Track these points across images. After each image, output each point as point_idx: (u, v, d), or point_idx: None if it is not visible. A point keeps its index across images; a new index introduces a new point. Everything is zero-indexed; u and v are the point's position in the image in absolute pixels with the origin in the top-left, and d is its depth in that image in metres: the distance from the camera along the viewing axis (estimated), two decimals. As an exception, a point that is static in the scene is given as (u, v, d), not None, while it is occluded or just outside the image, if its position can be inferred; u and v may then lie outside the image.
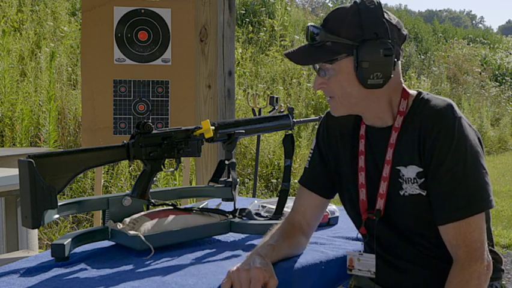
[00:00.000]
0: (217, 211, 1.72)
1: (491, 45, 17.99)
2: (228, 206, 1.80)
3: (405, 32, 1.41)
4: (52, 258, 1.45)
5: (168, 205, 1.70)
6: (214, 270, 1.39)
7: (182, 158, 1.67)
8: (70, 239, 1.48)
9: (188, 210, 1.68)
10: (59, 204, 1.45)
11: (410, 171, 1.39)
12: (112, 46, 3.10)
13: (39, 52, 6.48)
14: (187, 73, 3.16)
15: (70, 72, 6.52)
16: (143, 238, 1.49)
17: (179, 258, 1.50)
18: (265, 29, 10.01)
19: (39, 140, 5.34)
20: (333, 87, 1.39)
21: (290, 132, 1.92)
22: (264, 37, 9.82)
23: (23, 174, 1.36)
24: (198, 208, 1.72)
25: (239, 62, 8.54)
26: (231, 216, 1.71)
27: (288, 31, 10.40)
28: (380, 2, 1.36)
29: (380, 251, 1.48)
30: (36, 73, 6.12)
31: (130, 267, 1.43)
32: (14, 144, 5.33)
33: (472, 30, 23.22)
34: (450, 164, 1.33)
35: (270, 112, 3.64)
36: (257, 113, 3.86)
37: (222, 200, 1.84)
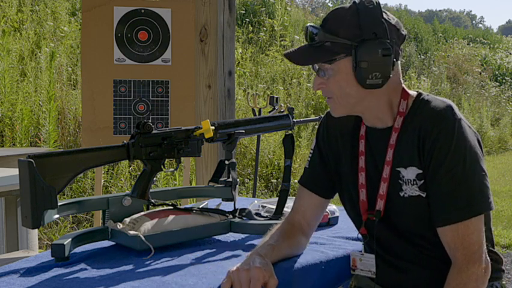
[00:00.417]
0: (217, 211, 1.72)
1: (491, 45, 17.99)
2: (228, 206, 1.80)
3: (404, 32, 1.41)
4: (52, 258, 1.45)
5: (168, 205, 1.70)
6: (214, 270, 1.39)
7: (182, 158, 1.67)
8: (70, 239, 1.48)
9: (188, 210, 1.68)
10: (59, 204, 1.45)
11: (409, 173, 1.39)
12: (112, 46, 3.10)
13: (39, 52, 6.48)
14: (187, 73, 3.16)
15: (70, 72, 6.52)
16: (143, 238, 1.49)
17: (179, 258, 1.50)
18: (265, 29, 10.01)
19: (39, 140, 5.34)
20: (332, 87, 1.39)
21: (290, 132, 1.92)
22: (264, 37, 9.82)
23: (23, 174, 1.36)
24: (198, 208, 1.72)
25: (239, 62, 8.54)
26: (231, 216, 1.71)
27: (288, 31, 10.40)
28: (379, 2, 1.36)
29: (380, 251, 1.48)
30: (36, 73, 6.12)
31: (130, 267, 1.43)
32: (14, 144, 5.33)
33: (472, 30, 23.21)
34: (449, 165, 1.33)
35: (270, 112, 3.64)
36: (257, 113, 3.86)
37: (222, 200, 1.84)
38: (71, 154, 1.51)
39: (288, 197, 1.81)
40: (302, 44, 1.42)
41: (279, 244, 1.46)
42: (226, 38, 3.36)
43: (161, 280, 1.32)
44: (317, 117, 2.29)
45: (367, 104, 1.41)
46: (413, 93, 1.45)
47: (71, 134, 5.68)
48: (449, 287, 1.32)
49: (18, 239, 3.13)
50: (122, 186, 5.12)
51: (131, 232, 1.51)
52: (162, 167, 1.63)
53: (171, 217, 1.61)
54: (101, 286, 1.28)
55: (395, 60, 1.36)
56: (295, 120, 1.92)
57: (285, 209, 1.79)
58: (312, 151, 1.61)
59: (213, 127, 1.66)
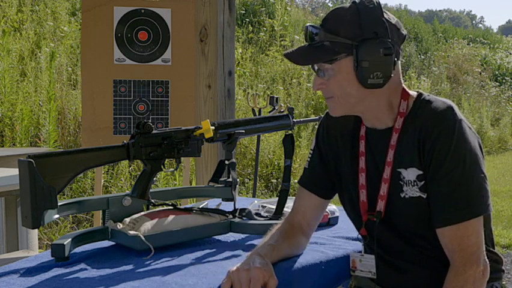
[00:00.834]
0: (217, 211, 1.72)
1: (491, 45, 17.98)
2: (228, 206, 1.80)
3: (404, 32, 1.41)
4: (52, 258, 1.45)
5: (168, 205, 1.70)
6: (214, 270, 1.39)
7: (182, 158, 1.67)
8: (70, 239, 1.48)
9: (188, 210, 1.68)
10: (59, 204, 1.45)
11: (410, 174, 1.39)
12: (112, 46, 3.10)
13: (39, 52, 6.48)
14: (187, 73, 3.16)
15: (70, 72, 6.52)
16: (143, 238, 1.49)
17: (179, 258, 1.50)
18: (265, 29, 10.01)
19: (39, 140, 5.34)
20: (332, 87, 1.39)
21: (290, 132, 1.92)
22: (264, 37, 9.82)
23: (23, 174, 1.36)
24: (198, 208, 1.72)
25: (239, 62, 8.54)
26: (231, 216, 1.71)
27: (288, 31, 10.40)
28: (379, 2, 1.36)
29: (380, 252, 1.48)
30: (36, 73, 6.12)
31: (130, 267, 1.43)
32: (14, 144, 5.33)
33: (472, 30, 23.21)
34: (449, 166, 1.33)
35: (270, 112, 3.64)
36: (257, 113, 3.86)
37: (222, 200, 1.84)
38: (71, 154, 1.51)
39: (288, 197, 1.81)
40: (302, 44, 1.42)
41: (279, 244, 1.46)
42: (226, 38, 3.36)
43: (161, 280, 1.32)
44: (317, 117, 2.29)
45: (367, 104, 1.41)
46: (413, 93, 1.45)
47: (71, 134, 5.68)
48: (447, 290, 1.32)
49: (18, 239, 3.13)
50: (122, 186, 5.12)
51: (131, 232, 1.51)
52: (162, 167, 1.63)
53: (171, 217, 1.61)
54: (101, 286, 1.28)
55: (395, 59, 1.36)
56: (295, 120, 1.92)
57: (285, 209, 1.79)
58: (311, 151, 1.61)
59: (213, 127, 1.66)
